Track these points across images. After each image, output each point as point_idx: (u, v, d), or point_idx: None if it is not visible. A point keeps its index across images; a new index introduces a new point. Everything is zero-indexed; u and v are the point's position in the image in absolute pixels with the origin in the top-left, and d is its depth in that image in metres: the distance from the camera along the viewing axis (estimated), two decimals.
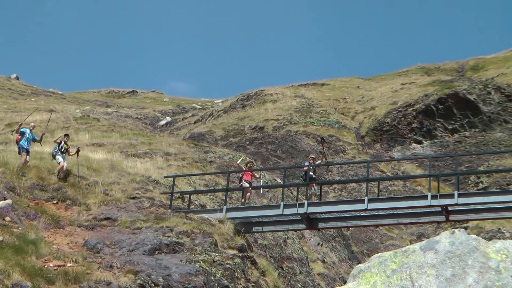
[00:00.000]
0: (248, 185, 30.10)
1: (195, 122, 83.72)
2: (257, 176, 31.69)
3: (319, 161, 35.97)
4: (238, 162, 34.05)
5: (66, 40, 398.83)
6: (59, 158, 28.90)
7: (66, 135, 31.41)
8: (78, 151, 30.05)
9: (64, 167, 28.65)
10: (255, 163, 38.63)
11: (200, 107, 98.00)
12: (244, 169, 31.27)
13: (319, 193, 32.46)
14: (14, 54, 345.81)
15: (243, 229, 27.38)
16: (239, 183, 30.73)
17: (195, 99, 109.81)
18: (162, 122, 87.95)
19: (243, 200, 30.31)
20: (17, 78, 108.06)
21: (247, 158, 45.17)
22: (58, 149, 29.14)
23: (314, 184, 31.34)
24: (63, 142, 29.33)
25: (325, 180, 52.29)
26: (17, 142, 29.51)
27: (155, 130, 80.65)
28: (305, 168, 31.48)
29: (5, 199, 24.05)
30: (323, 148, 39.05)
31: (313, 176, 31.32)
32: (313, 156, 35.41)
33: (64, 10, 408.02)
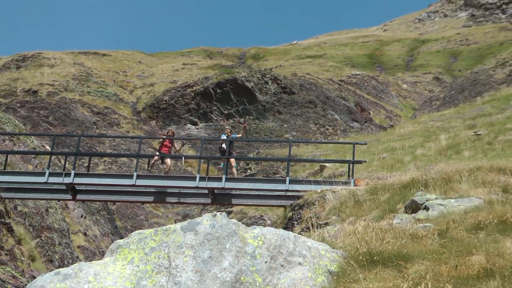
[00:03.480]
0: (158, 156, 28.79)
1: None
2: (177, 148, 29.96)
3: (240, 135, 34.93)
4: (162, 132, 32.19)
5: None
6: None
7: None
8: None
9: None
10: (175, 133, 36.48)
11: None
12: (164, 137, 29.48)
13: (237, 166, 31.46)
14: None
15: (2, 194, 26.37)
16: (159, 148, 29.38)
17: None
18: None
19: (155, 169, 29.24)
20: None
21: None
22: None
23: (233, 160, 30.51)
24: None
25: (96, 152, 51.62)
26: None
27: None
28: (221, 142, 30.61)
29: None
30: (244, 123, 37.85)
31: (224, 149, 30.44)
32: (228, 128, 34.54)
33: None
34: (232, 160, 29.89)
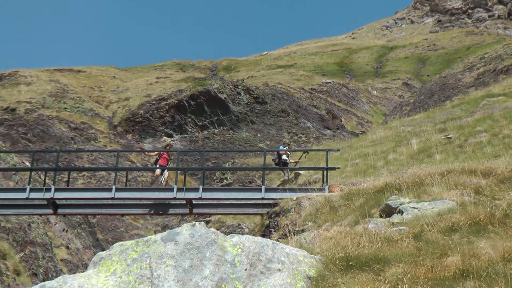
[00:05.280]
0: (159, 169, 28.53)
1: None
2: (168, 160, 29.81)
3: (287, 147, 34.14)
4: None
5: None
6: None
7: None
8: None
9: None
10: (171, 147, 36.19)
11: None
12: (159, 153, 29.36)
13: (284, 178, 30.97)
14: None
15: None
16: (155, 165, 29.16)
17: None
18: None
19: (157, 182, 28.94)
20: None
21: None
22: None
23: (287, 170, 30.13)
24: None
25: (74, 167, 51.34)
26: None
27: None
28: (281, 152, 30.30)
29: None
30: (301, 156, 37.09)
31: (287, 161, 30.13)
32: (287, 141, 34.21)
33: None
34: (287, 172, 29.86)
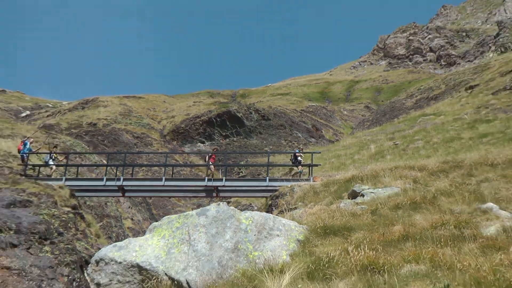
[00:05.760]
0: (211, 165, 28.38)
1: (47, 116, 79.20)
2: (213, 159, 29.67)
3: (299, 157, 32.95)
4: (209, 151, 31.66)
5: None
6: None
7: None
8: None
9: None
10: (218, 149, 35.93)
11: (52, 106, 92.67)
12: (210, 156, 29.19)
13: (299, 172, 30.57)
14: None
15: (76, 193, 26.29)
16: (206, 161, 28.96)
17: (49, 100, 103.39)
18: (23, 114, 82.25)
19: (210, 175, 28.68)
20: None
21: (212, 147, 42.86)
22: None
23: (300, 166, 29.83)
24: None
25: (137, 164, 51.43)
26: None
27: (17, 119, 75.28)
28: (297, 154, 29.99)
29: None
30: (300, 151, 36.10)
31: (301, 160, 29.81)
32: (301, 147, 33.81)
33: None
34: (301, 168, 29.55)
